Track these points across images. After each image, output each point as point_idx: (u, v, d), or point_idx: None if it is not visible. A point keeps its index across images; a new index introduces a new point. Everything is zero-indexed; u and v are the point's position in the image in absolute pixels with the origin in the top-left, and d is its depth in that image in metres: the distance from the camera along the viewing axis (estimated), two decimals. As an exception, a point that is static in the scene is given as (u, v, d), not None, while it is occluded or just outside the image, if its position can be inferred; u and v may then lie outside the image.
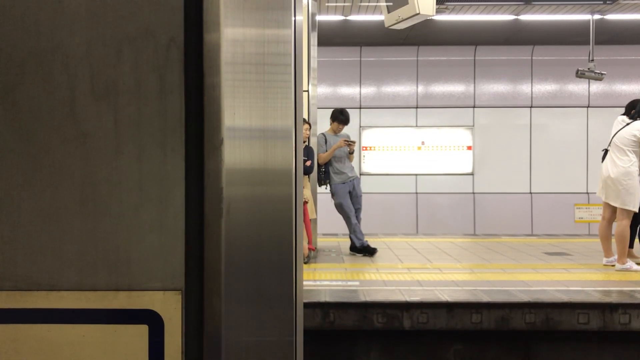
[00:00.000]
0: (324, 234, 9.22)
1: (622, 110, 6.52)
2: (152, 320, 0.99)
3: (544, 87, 12.11)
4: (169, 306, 0.99)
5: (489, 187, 12.04)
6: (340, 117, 7.47)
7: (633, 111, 6.28)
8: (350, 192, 7.36)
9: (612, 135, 6.34)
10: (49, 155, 0.98)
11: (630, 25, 10.43)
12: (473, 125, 12.14)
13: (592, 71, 9.77)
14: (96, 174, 0.99)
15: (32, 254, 0.98)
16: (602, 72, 9.75)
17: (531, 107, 12.10)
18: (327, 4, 9.26)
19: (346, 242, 7.87)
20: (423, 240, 9.25)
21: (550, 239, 9.42)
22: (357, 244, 7.32)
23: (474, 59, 12.03)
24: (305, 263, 6.63)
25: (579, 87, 11.98)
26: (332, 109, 7.71)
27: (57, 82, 0.98)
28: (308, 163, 6.80)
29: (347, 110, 7.69)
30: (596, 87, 11.91)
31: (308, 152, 6.86)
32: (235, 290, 0.99)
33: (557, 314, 4.79)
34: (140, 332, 0.99)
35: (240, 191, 0.99)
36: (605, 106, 11.66)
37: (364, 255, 7.30)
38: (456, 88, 12.12)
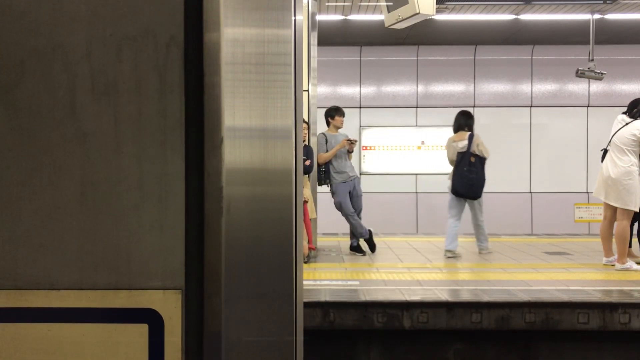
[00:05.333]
0: (324, 234, 9.21)
1: (622, 109, 6.48)
2: (152, 320, 0.99)
3: (544, 87, 12.10)
4: (169, 305, 0.99)
5: (489, 187, 11.96)
6: (338, 111, 7.46)
7: (635, 109, 6.24)
8: (350, 192, 7.35)
9: (612, 134, 6.31)
10: (49, 154, 0.98)
11: (630, 25, 10.43)
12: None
13: (592, 71, 9.76)
14: (96, 173, 0.99)
15: (32, 253, 0.98)
16: (602, 72, 9.74)
17: (531, 106, 12.09)
18: (327, 4, 9.25)
19: (346, 242, 7.87)
20: (423, 239, 9.24)
21: (550, 239, 9.42)
22: (363, 238, 7.34)
23: (474, 59, 12.02)
24: (305, 262, 6.63)
25: (579, 87, 11.97)
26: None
27: (57, 81, 0.98)
28: (307, 162, 6.79)
29: (347, 110, 7.67)
30: (596, 86, 11.90)
31: (307, 151, 6.86)
32: (235, 289, 0.99)
33: (557, 313, 4.79)
34: (140, 331, 0.99)
35: (241, 190, 0.99)
36: (605, 106, 11.64)
37: (364, 254, 7.30)
38: (456, 88, 12.11)
